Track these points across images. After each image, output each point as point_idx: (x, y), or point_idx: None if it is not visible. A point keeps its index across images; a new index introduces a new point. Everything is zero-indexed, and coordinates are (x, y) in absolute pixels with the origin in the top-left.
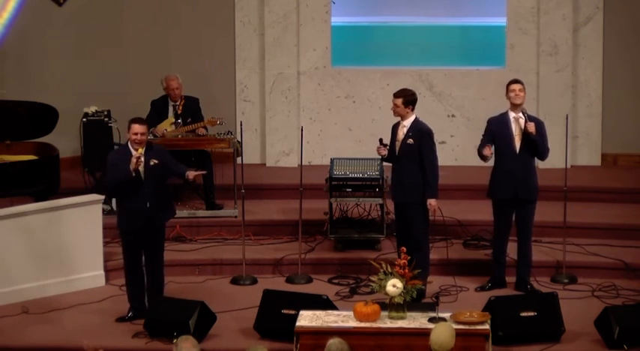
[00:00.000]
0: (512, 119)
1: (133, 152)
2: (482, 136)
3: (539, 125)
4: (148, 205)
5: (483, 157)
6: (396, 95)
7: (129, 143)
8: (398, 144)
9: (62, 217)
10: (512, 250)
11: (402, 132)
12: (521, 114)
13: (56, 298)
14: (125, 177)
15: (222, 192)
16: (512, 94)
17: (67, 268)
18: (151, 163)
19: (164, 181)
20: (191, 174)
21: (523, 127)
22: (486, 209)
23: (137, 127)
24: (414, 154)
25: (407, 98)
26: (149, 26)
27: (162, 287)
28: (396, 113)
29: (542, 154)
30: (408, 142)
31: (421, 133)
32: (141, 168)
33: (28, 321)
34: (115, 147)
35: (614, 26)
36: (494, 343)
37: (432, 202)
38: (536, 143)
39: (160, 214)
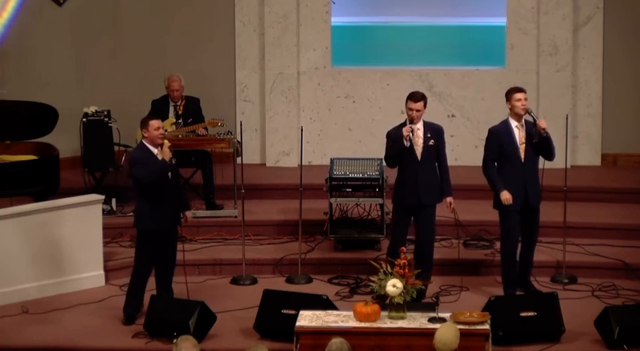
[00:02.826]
0: (514, 128)
1: (153, 150)
2: (487, 148)
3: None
4: (173, 204)
5: (494, 186)
6: (416, 99)
7: (144, 142)
8: (419, 148)
9: (62, 217)
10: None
11: (417, 135)
12: (523, 121)
13: (56, 298)
14: (161, 167)
15: (222, 192)
16: (518, 104)
17: (67, 268)
18: (173, 161)
19: None
20: (189, 216)
21: (534, 125)
22: (486, 209)
23: (157, 122)
24: (434, 154)
25: (425, 100)
26: (149, 26)
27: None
28: (417, 118)
29: (553, 152)
30: (430, 143)
31: (438, 133)
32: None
33: (28, 321)
34: (115, 147)
35: (614, 26)
36: (494, 343)
37: (451, 200)
38: (548, 141)
39: (178, 214)
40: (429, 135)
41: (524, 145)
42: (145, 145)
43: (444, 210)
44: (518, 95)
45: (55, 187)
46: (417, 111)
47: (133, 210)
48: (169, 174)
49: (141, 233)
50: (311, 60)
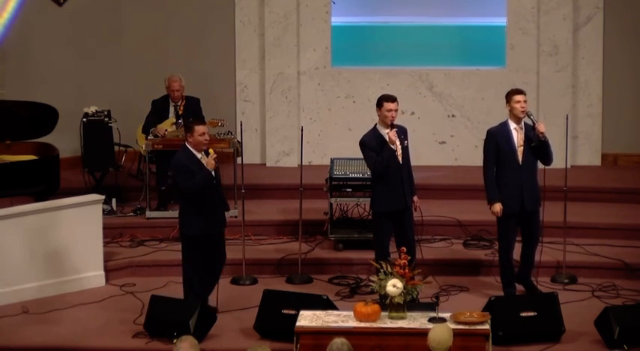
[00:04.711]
0: (513, 130)
1: (197, 154)
2: (485, 149)
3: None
4: (217, 207)
5: (491, 195)
6: (393, 100)
7: (188, 146)
8: (399, 151)
9: (62, 217)
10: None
11: (394, 137)
12: (522, 124)
13: (56, 298)
14: (206, 179)
15: (223, 192)
16: (517, 106)
17: (67, 268)
18: (217, 165)
19: None
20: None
21: (533, 128)
22: (486, 209)
23: (203, 128)
24: (408, 155)
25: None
26: (149, 26)
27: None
28: (394, 119)
29: (551, 156)
30: (405, 144)
31: (406, 133)
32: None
33: (28, 321)
34: (115, 147)
35: (614, 26)
36: (494, 343)
37: (417, 198)
38: (546, 145)
39: (223, 216)
40: (402, 136)
41: (522, 147)
42: (188, 149)
43: (447, 211)
44: (518, 97)
45: (55, 187)
46: (395, 111)
47: (179, 213)
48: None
49: (186, 237)
50: (311, 60)
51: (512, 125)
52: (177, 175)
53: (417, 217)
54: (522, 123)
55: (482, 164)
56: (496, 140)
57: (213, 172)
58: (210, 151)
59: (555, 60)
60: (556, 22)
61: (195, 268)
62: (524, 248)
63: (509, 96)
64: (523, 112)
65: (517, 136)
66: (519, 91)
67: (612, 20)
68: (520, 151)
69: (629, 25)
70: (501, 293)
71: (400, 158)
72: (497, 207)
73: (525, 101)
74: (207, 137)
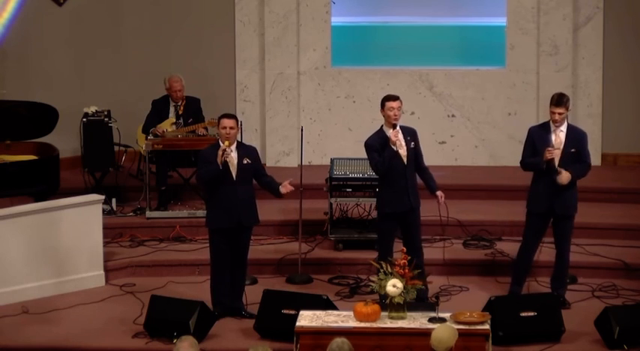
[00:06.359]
0: (552, 132)
1: (221, 145)
2: (524, 146)
3: (582, 137)
4: (237, 205)
5: (537, 165)
6: (396, 99)
7: (220, 140)
8: (404, 152)
9: (62, 217)
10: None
11: (399, 137)
12: (565, 127)
13: (56, 298)
14: (214, 171)
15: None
16: (551, 116)
17: (67, 268)
18: (244, 161)
19: (252, 184)
20: (285, 188)
21: (562, 145)
22: (486, 209)
23: (226, 121)
24: (415, 156)
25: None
26: (149, 26)
27: (243, 288)
28: (399, 118)
29: (582, 177)
30: (412, 146)
31: (414, 134)
32: (234, 167)
33: (28, 321)
34: (115, 147)
35: (614, 26)
36: (494, 343)
37: (441, 193)
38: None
39: (249, 217)
40: (408, 138)
41: (559, 150)
42: (218, 142)
43: (449, 211)
44: (553, 109)
45: (55, 187)
46: (398, 109)
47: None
48: (234, 175)
49: (209, 232)
50: (311, 60)
51: (552, 126)
52: (197, 163)
53: (436, 216)
54: (565, 126)
55: (483, 164)
56: (533, 139)
57: (233, 167)
58: (226, 143)
59: (555, 60)
60: (556, 22)
61: (215, 263)
62: (556, 252)
63: (550, 102)
64: (555, 122)
65: (555, 138)
66: (557, 103)
67: (612, 20)
68: (557, 153)
69: (629, 25)
70: (501, 293)
71: (405, 159)
72: (549, 149)
73: (560, 114)
74: (228, 131)
